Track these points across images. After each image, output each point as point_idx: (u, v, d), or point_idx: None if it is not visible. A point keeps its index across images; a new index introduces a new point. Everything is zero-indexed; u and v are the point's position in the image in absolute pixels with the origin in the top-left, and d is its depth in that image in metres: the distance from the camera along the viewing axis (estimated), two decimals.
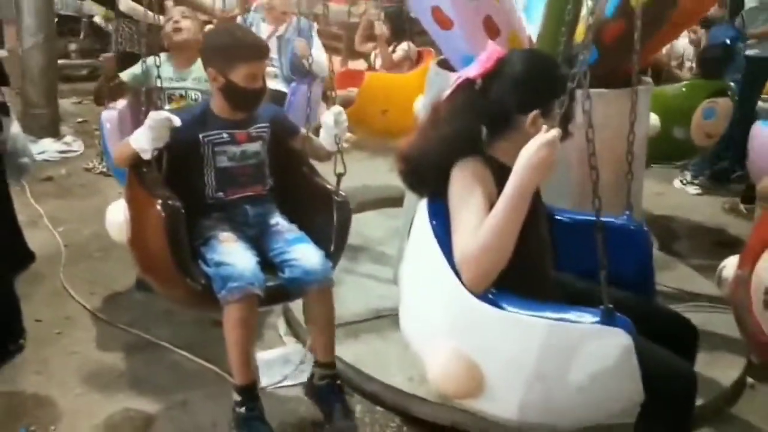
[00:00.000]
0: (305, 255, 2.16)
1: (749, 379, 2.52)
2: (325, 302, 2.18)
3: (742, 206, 4.42)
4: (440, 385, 1.62)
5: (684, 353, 1.71)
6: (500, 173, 1.57)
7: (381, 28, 4.41)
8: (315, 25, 3.99)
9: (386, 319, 2.71)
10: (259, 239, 2.28)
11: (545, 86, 1.61)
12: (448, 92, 1.70)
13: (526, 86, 1.62)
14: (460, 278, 1.52)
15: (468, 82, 1.65)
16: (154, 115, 2.07)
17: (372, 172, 4.31)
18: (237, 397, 2.08)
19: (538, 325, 1.48)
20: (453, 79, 1.72)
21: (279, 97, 3.55)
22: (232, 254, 2.09)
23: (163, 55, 2.66)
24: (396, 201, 3.35)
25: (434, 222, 1.65)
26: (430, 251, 1.63)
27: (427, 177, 1.69)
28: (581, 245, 1.60)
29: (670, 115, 3.71)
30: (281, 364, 2.50)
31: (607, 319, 1.44)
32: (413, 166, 1.72)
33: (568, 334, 1.49)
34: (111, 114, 2.95)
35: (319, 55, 3.57)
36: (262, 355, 2.51)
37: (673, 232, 4.08)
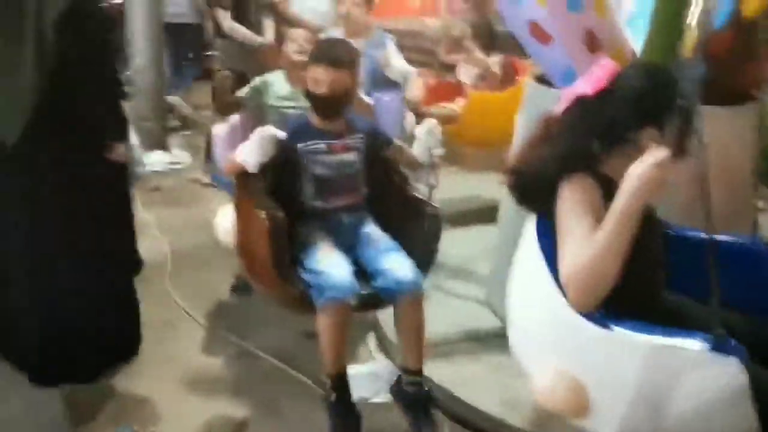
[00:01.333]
0: (397, 265, 2.20)
1: None
2: (416, 312, 2.20)
3: None
4: (546, 403, 1.62)
5: None
6: (610, 190, 1.54)
7: (467, 39, 4.36)
8: (391, 37, 4.03)
9: (479, 341, 2.69)
10: (352, 247, 2.34)
11: (662, 101, 1.57)
12: (560, 107, 1.68)
13: (642, 101, 1.58)
14: (565, 297, 1.50)
15: (582, 98, 1.63)
16: (260, 131, 2.19)
17: (464, 186, 4.27)
18: (329, 383, 2.16)
19: (644, 347, 1.45)
20: (563, 95, 1.70)
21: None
22: (329, 263, 2.17)
23: (279, 73, 2.76)
24: (489, 217, 3.30)
25: (542, 240, 1.64)
26: (537, 269, 1.62)
27: (538, 191, 1.68)
28: (697, 265, 1.53)
29: None
30: (371, 380, 2.51)
31: (719, 346, 1.38)
32: (524, 180, 1.72)
33: (675, 360, 1.44)
34: (221, 127, 3.09)
35: (397, 63, 3.60)
36: (351, 370, 2.53)
37: None
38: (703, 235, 1.83)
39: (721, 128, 2.23)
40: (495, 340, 2.74)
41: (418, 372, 2.24)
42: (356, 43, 3.77)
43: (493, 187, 4.26)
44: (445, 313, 2.81)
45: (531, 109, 2.82)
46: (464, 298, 3.03)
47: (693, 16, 2.37)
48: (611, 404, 1.52)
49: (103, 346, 2.44)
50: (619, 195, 1.44)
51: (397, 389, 2.29)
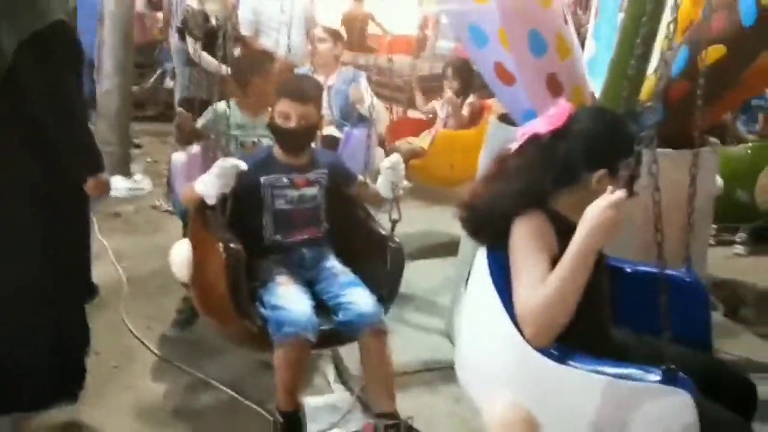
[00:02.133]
0: (359, 299, 2.19)
1: None
2: (380, 347, 2.18)
3: None
4: None
5: (742, 412, 1.66)
6: (562, 227, 1.58)
7: (450, 95, 4.47)
8: (363, 74, 4.11)
9: (438, 372, 2.69)
10: (314, 281, 2.32)
11: (614, 145, 1.62)
12: (515, 145, 1.72)
13: (595, 144, 1.63)
14: (520, 331, 1.51)
15: (537, 137, 1.67)
16: (221, 163, 2.15)
17: (427, 220, 4.32)
18: (281, 420, 2.12)
19: (599, 381, 1.47)
20: (519, 133, 1.74)
21: (332, 142, 3.65)
22: (288, 298, 2.14)
23: (232, 102, 2.75)
24: (450, 250, 3.34)
25: (493, 272, 1.66)
26: (489, 301, 1.63)
27: (490, 226, 1.70)
28: (639, 298, 1.60)
29: (734, 177, 3.62)
30: (329, 412, 2.49)
31: (670, 379, 1.42)
32: (477, 215, 1.74)
33: (629, 392, 1.47)
34: (180, 156, 3.05)
35: (369, 99, 3.67)
36: (309, 401, 2.50)
37: (739, 298, 3.92)
38: (643, 268, 1.91)
39: (679, 170, 2.32)
40: (454, 371, 2.76)
41: (393, 414, 2.17)
42: (327, 78, 3.85)
43: (454, 221, 4.33)
44: (405, 344, 2.81)
45: (493, 146, 2.89)
46: (424, 329, 3.05)
47: (652, 64, 2.48)
48: None
49: (55, 374, 2.37)
50: (576, 235, 1.47)
51: None
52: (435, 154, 4.08)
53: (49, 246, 2.27)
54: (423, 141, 4.45)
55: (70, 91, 2.17)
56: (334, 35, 3.97)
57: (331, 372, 2.78)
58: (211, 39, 4.01)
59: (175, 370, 2.73)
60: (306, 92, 2.33)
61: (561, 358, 1.50)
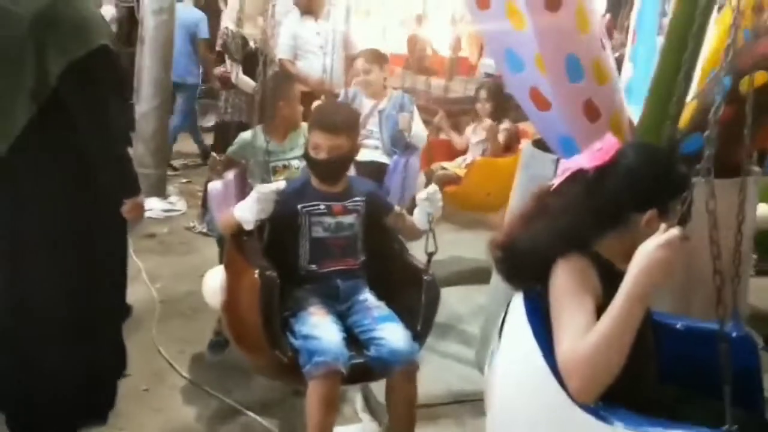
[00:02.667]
0: (392, 335, 2.13)
1: None
2: (409, 385, 2.13)
3: None
4: None
5: None
6: (605, 272, 1.49)
7: (489, 122, 4.44)
8: (414, 100, 4.09)
9: (466, 404, 2.63)
10: (346, 314, 2.27)
11: (665, 183, 1.52)
12: (557, 181, 1.62)
13: (646, 183, 1.53)
14: (562, 385, 1.40)
15: (581, 174, 1.57)
16: (260, 188, 2.13)
17: (458, 246, 4.26)
18: None
19: None
20: (561, 168, 1.64)
21: (380, 169, 3.62)
22: (320, 328, 2.10)
23: (258, 128, 2.76)
24: (481, 277, 3.27)
25: (532, 321, 1.54)
26: (528, 352, 1.51)
27: (529, 269, 1.60)
28: (683, 353, 1.49)
29: None
30: None
31: None
32: (513, 257, 1.63)
33: None
34: (216, 184, 3.05)
35: (417, 128, 3.65)
36: (337, 430, 2.47)
37: None
38: (684, 322, 1.78)
39: (722, 201, 2.24)
40: (482, 403, 2.70)
41: None
42: (378, 103, 3.84)
43: (485, 247, 4.26)
44: (433, 374, 2.75)
45: (528, 173, 2.84)
46: (454, 359, 2.98)
47: (692, 89, 2.42)
48: None
49: (87, 398, 2.39)
50: (626, 278, 1.37)
51: None
52: (472, 182, 4.04)
53: (89, 269, 2.30)
54: (458, 167, 4.41)
55: (111, 115, 2.21)
56: (379, 60, 3.95)
57: (359, 400, 2.74)
58: (250, 62, 4.08)
59: (205, 395, 2.72)
60: (337, 124, 2.30)
61: (607, 418, 1.38)
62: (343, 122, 2.32)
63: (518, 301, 1.62)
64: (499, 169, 4.09)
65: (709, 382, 1.50)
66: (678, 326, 1.80)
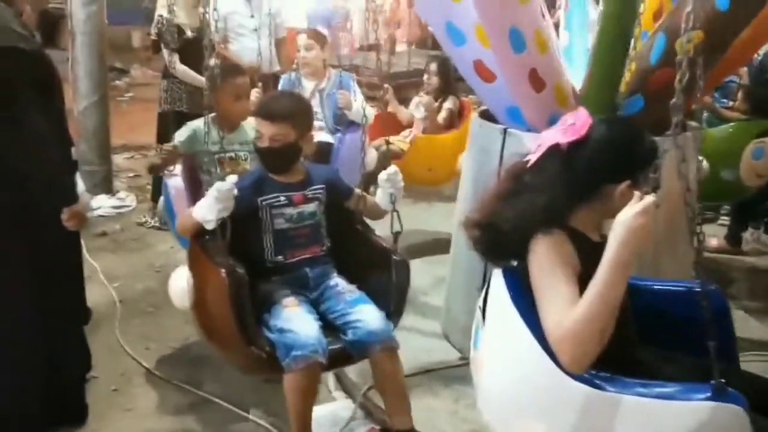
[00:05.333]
0: (367, 316, 2.16)
1: None
2: (393, 364, 2.16)
3: None
4: None
5: None
6: (581, 245, 1.54)
7: (428, 99, 4.45)
8: (354, 77, 4.10)
9: (434, 374, 2.70)
10: (319, 301, 2.28)
11: (639, 155, 1.58)
12: (533, 158, 1.64)
13: (621, 156, 1.58)
14: (552, 357, 1.43)
15: (556, 149, 1.60)
16: (219, 186, 2.08)
17: (415, 219, 4.33)
18: None
19: (643, 404, 1.39)
20: (535, 144, 1.67)
21: (325, 148, 3.63)
22: (295, 320, 2.10)
23: (208, 118, 2.71)
24: (439, 248, 3.32)
25: (516, 297, 1.57)
26: (514, 329, 1.53)
27: (509, 246, 1.62)
28: (655, 314, 1.53)
29: (719, 157, 3.65)
30: (330, 421, 2.47)
31: (720, 394, 1.35)
32: (492, 235, 1.64)
33: (680, 413, 1.38)
34: (176, 180, 2.96)
35: (357, 105, 3.67)
36: (313, 411, 2.50)
37: (724, 274, 3.98)
38: (652, 283, 1.81)
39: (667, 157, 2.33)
40: (452, 371, 2.77)
41: (412, 430, 2.15)
42: (319, 83, 3.83)
43: (441, 219, 4.33)
44: (401, 348, 2.80)
45: (476, 143, 2.90)
46: (419, 332, 3.03)
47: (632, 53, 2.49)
48: None
49: (52, 402, 2.36)
50: (609, 247, 1.41)
51: None
52: (413, 159, 4.11)
53: (40, 273, 2.25)
54: (402, 141, 4.43)
55: (31, 119, 2.10)
56: (320, 40, 3.94)
57: (331, 380, 2.78)
58: (187, 50, 4.00)
59: (176, 389, 2.71)
60: (275, 111, 2.28)
61: (600, 384, 1.41)
62: (283, 110, 2.29)
63: (499, 278, 1.65)
64: (439, 146, 4.24)
65: (683, 339, 1.58)
66: (646, 286, 1.84)
